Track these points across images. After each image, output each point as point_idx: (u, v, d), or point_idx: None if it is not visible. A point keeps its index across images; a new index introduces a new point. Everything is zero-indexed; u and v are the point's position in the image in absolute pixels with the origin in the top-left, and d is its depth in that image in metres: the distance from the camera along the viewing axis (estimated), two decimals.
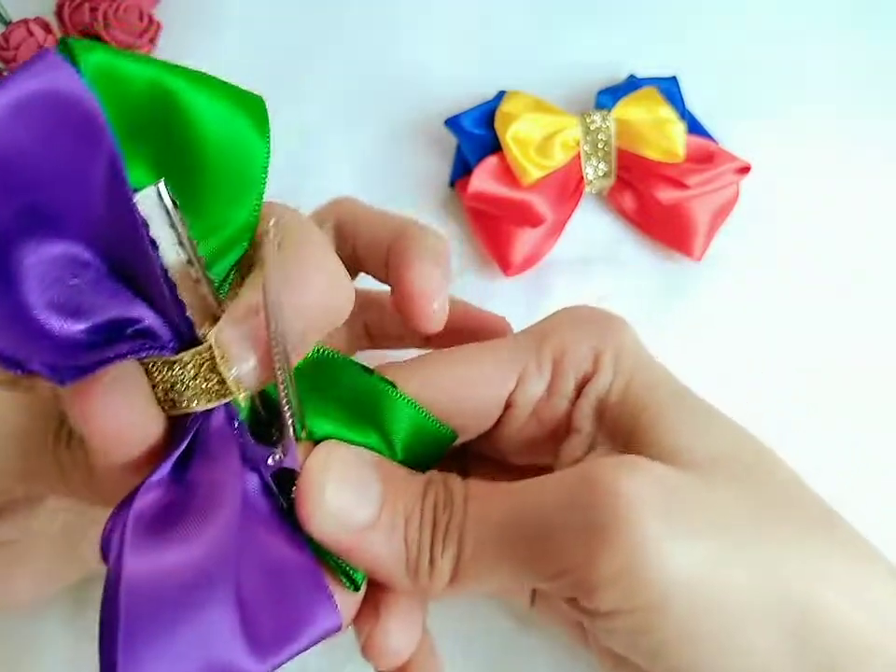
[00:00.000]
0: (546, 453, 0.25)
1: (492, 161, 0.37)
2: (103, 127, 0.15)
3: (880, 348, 0.36)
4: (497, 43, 0.43)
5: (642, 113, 0.38)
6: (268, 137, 0.19)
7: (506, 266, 0.37)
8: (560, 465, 0.25)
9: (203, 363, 0.18)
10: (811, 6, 0.44)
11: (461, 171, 0.39)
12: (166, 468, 0.19)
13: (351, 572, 0.22)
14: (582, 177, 0.38)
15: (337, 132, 0.41)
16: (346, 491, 0.21)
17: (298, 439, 0.20)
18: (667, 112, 0.37)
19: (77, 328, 0.16)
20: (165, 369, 0.18)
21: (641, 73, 0.40)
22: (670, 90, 0.39)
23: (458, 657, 0.31)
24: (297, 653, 0.20)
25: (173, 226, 0.17)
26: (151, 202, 0.17)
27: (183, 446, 0.19)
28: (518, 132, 0.37)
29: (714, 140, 0.39)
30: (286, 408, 0.19)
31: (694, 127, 0.39)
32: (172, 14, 0.42)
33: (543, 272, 0.38)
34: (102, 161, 0.15)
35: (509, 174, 0.37)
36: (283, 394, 0.19)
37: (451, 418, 0.24)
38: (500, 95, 0.39)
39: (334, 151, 0.41)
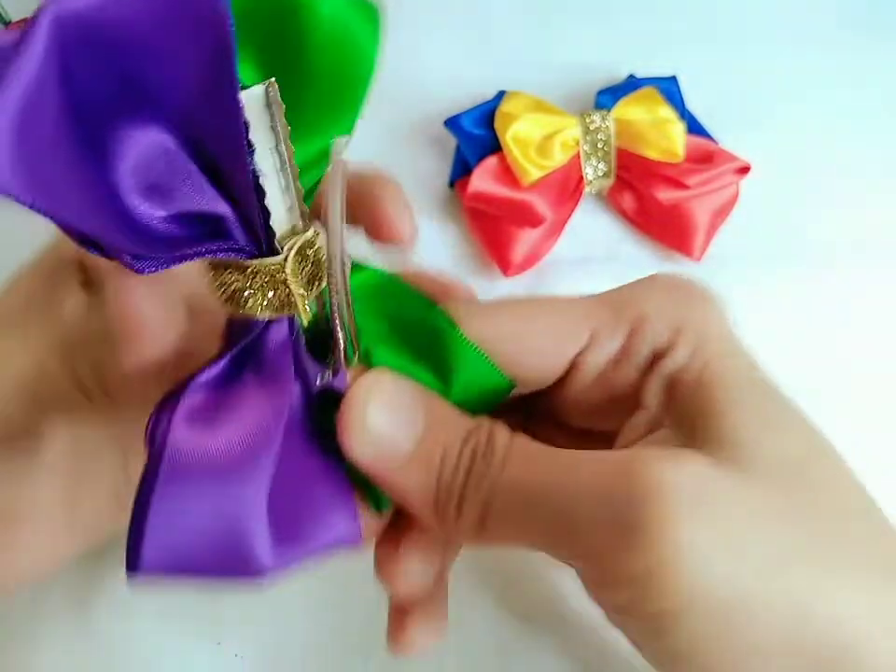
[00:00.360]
0: (609, 421, 0.24)
1: (492, 161, 0.37)
2: (224, 15, 0.14)
3: (880, 348, 0.36)
4: (497, 43, 0.43)
5: (642, 113, 0.38)
6: (378, 45, 0.19)
7: (506, 266, 0.37)
8: (621, 440, 0.23)
9: (276, 274, 0.18)
10: (811, 7, 0.44)
11: (461, 171, 0.39)
12: (218, 367, 0.19)
13: (379, 496, 0.22)
14: (582, 177, 0.38)
15: None
16: (387, 417, 0.21)
17: (349, 362, 0.20)
18: (667, 112, 0.37)
19: (161, 214, 0.16)
20: (237, 272, 0.18)
21: (641, 73, 0.40)
22: (670, 90, 0.39)
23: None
24: (311, 555, 0.21)
25: (274, 130, 0.17)
26: (257, 102, 0.16)
27: (238, 349, 0.19)
28: (518, 132, 0.37)
29: (714, 140, 0.39)
30: (338, 331, 0.19)
31: (694, 127, 0.39)
32: None
33: (543, 272, 0.38)
34: (216, 51, 0.15)
35: (508, 174, 0.37)
36: (336, 316, 0.19)
37: (511, 368, 0.23)
38: (500, 95, 0.39)
39: None
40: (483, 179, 0.37)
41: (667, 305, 0.23)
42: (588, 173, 0.38)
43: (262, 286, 0.18)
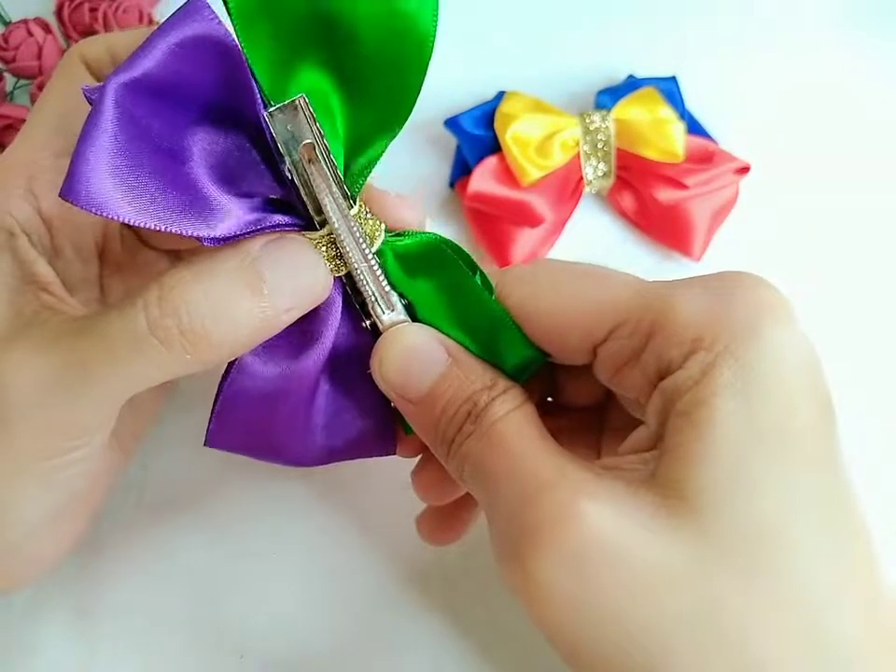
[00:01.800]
0: (634, 410, 0.24)
1: (491, 161, 0.37)
2: (232, 47, 0.22)
3: (880, 347, 0.36)
4: (497, 43, 0.42)
5: (642, 113, 0.38)
6: (434, 29, 0.24)
7: (506, 266, 0.37)
8: (624, 446, 0.23)
9: (326, 242, 0.24)
10: (811, 7, 0.44)
11: (461, 171, 0.39)
12: None
13: (406, 422, 0.26)
14: (582, 177, 0.38)
15: None
16: (409, 360, 0.24)
17: (380, 315, 0.24)
18: (667, 112, 0.37)
19: (234, 194, 0.22)
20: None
21: (641, 73, 0.40)
22: (670, 90, 0.39)
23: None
24: (349, 457, 0.27)
25: (311, 132, 0.22)
26: (289, 112, 0.22)
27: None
28: (518, 132, 0.37)
29: (713, 140, 0.39)
30: (367, 291, 0.24)
31: (694, 127, 0.39)
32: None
33: None
34: (232, 72, 0.22)
35: (508, 174, 0.37)
36: (361, 280, 0.24)
37: (541, 342, 0.24)
38: (500, 95, 0.39)
39: None
40: (483, 179, 0.37)
41: (702, 317, 0.21)
42: (588, 173, 0.38)
43: (326, 254, 0.24)
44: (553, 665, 0.31)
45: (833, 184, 0.39)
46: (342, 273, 0.24)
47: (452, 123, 0.39)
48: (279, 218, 0.23)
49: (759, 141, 0.39)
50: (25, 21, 0.40)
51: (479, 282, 0.25)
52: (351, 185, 0.24)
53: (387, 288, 0.24)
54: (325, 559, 0.33)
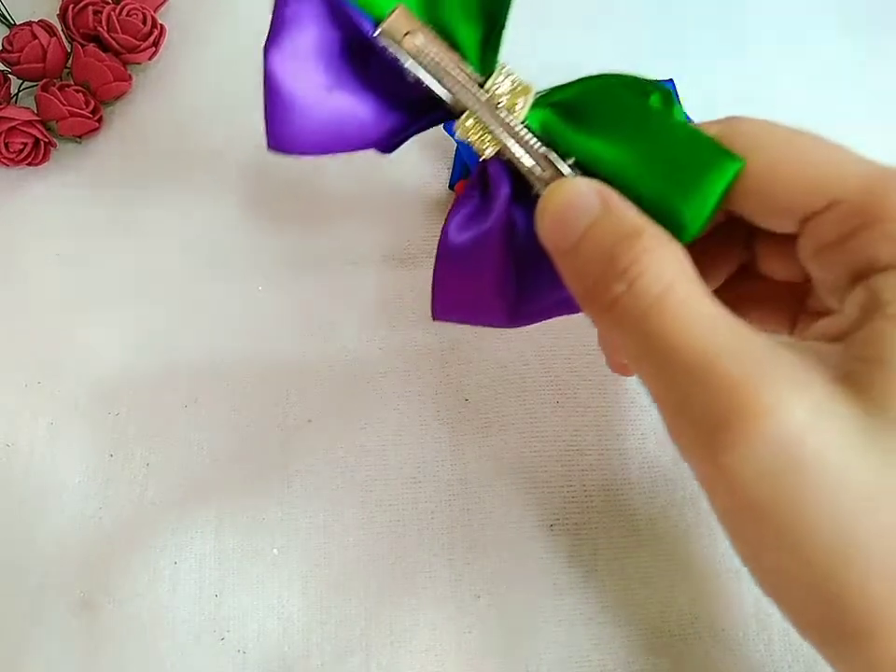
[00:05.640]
0: (830, 296, 0.22)
1: None
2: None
3: None
4: None
5: None
6: None
7: None
8: (814, 330, 0.22)
9: (473, 122, 0.25)
10: (811, 9, 0.44)
11: (461, 174, 0.39)
12: (473, 200, 0.27)
13: None
14: None
15: None
16: (560, 211, 0.23)
17: (539, 182, 0.24)
18: None
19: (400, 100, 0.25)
20: (466, 129, 0.25)
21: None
22: None
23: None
24: (474, 320, 0.29)
25: (425, 32, 0.24)
26: (402, 14, 0.24)
27: (471, 183, 0.27)
28: None
29: None
30: (521, 159, 0.24)
31: None
32: (176, 18, 0.43)
33: None
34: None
35: None
36: (511, 152, 0.24)
37: (754, 194, 0.22)
38: None
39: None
40: None
41: None
42: None
43: (478, 134, 0.25)
44: (560, 658, 0.31)
45: None
46: (499, 147, 0.25)
47: (451, 126, 0.39)
48: (431, 117, 0.26)
49: None
50: (30, 24, 0.40)
51: (656, 105, 0.24)
52: (483, 57, 0.25)
53: (542, 151, 0.24)
54: (326, 557, 0.33)
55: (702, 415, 0.19)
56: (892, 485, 0.18)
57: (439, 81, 0.24)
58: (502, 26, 0.24)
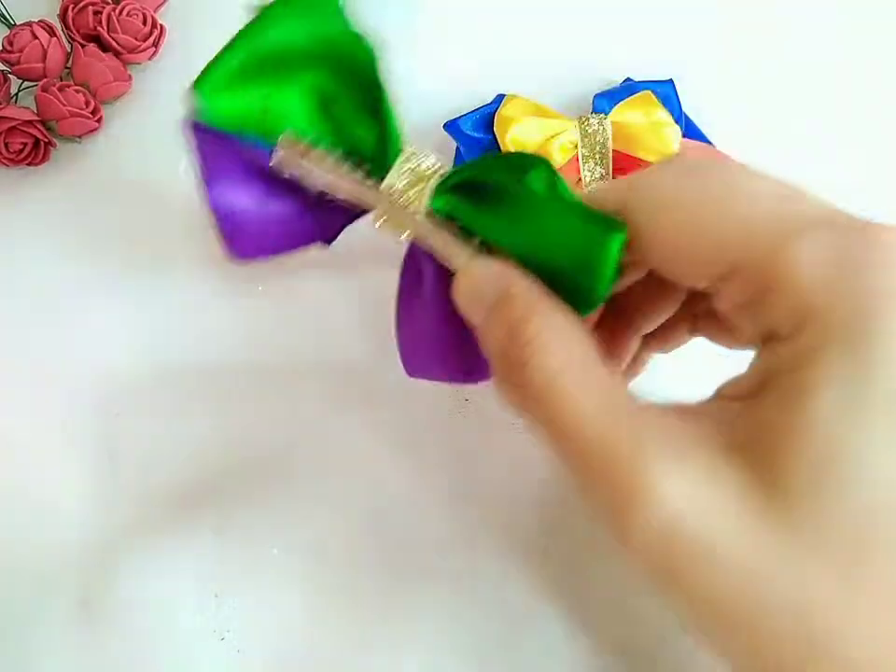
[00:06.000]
0: (738, 340, 0.23)
1: None
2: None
3: None
4: (495, 47, 0.43)
5: (639, 117, 0.38)
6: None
7: None
8: (730, 388, 0.22)
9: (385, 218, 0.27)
10: (810, 9, 0.44)
11: None
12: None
13: None
14: (581, 179, 0.38)
15: None
16: (466, 300, 0.24)
17: (455, 261, 0.25)
18: (662, 115, 0.38)
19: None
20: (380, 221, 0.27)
21: (638, 76, 0.41)
22: (666, 93, 0.39)
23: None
24: (440, 378, 0.29)
25: (314, 153, 0.26)
26: (289, 142, 0.27)
27: (407, 259, 0.29)
28: (517, 135, 0.37)
29: (711, 143, 0.39)
30: (436, 247, 0.25)
31: (691, 130, 0.39)
32: (176, 18, 0.43)
33: None
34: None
35: None
36: (423, 241, 0.26)
37: (660, 261, 0.22)
38: (499, 99, 0.39)
39: None
40: None
41: (818, 285, 0.18)
42: (585, 175, 0.38)
43: (390, 226, 0.27)
44: (562, 657, 0.31)
45: (832, 186, 0.40)
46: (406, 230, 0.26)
47: (451, 126, 0.39)
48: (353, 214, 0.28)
49: (756, 144, 0.39)
50: (30, 24, 0.40)
51: (537, 181, 0.23)
52: (382, 151, 0.27)
53: (446, 236, 0.25)
54: (326, 556, 0.33)
55: (601, 500, 0.20)
56: (777, 563, 0.17)
57: (336, 192, 0.27)
58: (394, 122, 0.27)
